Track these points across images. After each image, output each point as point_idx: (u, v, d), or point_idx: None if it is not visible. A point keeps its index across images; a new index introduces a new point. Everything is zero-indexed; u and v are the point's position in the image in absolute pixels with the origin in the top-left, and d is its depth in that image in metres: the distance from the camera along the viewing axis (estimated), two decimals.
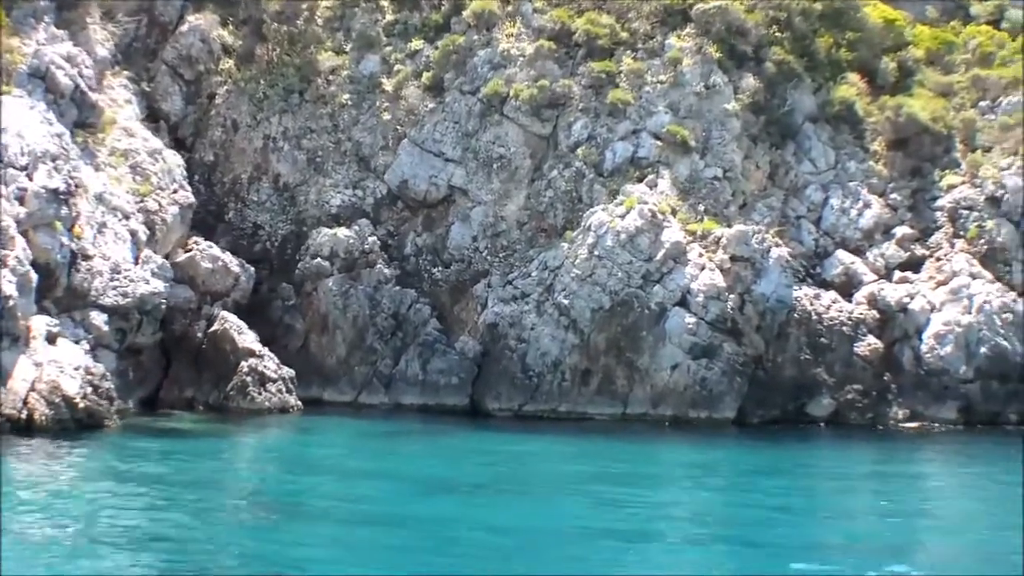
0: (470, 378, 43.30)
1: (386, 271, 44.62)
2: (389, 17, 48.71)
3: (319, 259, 44.36)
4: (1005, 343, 42.21)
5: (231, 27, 48.12)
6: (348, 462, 33.83)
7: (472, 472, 32.36)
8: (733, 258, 42.11)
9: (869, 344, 42.26)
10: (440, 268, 45.24)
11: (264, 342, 42.38)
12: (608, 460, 34.60)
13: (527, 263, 44.24)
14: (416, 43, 47.78)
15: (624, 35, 46.11)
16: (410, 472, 31.85)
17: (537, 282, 43.67)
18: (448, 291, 45.20)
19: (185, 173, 44.55)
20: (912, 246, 44.52)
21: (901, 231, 44.70)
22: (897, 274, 44.00)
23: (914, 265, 44.42)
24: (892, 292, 42.89)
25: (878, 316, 42.83)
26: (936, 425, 42.11)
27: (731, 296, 41.83)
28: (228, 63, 47.82)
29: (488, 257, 44.89)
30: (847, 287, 43.66)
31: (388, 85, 47.26)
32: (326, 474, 31.54)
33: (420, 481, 30.23)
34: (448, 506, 27.25)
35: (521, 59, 46.19)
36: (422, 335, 43.90)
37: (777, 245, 42.48)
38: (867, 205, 44.80)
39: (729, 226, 42.78)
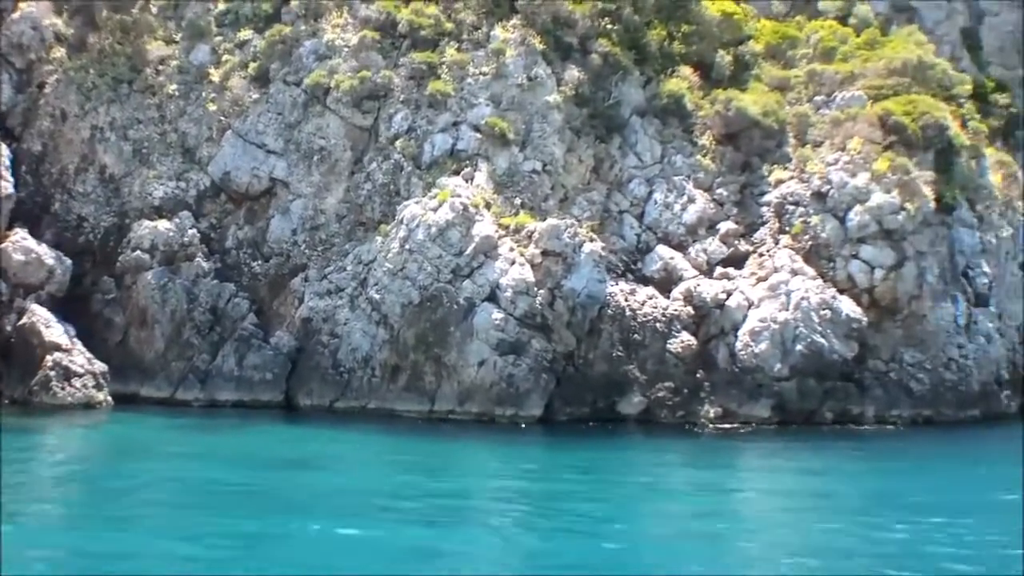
0: (284, 374, 42.53)
1: (205, 264, 43.84)
2: (221, 6, 47.71)
3: (139, 252, 43.57)
4: (822, 340, 41.38)
5: (65, 15, 47.20)
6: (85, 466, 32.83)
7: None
8: (544, 252, 41.24)
9: (683, 341, 41.40)
10: (260, 262, 44.44)
11: (84, 336, 41.57)
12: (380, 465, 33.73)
13: (343, 257, 43.35)
14: (245, 33, 46.86)
15: (449, 26, 45.19)
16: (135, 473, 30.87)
17: (352, 276, 42.87)
18: (267, 285, 44.41)
19: (8, 164, 43.57)
20: (736, 242, 43.72)
21: (725, 226, 43.90)
22: (719, 270, 43.03)
23: (737, 261, 43.60)
24: (709, 288, 42.05)
25: (693, 312, 41.87)
26: (750, 425, 40.90)
27: (541, 291, 40.95)
28: (60, 52, 46.82)
29: (306, 251, 44.11)
30: (667, 283, 42.82)
31: (215, 75, 46.34)
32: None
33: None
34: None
35: (346, 50, 45.25)
36: (239, 330, 43.06)
37: (591, 240, 41.58)
38: (691, 200, 43.96)
39: (545, 220, 41.80)
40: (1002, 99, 52.09)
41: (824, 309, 41.86)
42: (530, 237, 41.60)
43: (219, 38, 47.52)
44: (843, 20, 50.86)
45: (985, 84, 52.45)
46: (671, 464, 35.56)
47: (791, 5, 51.55)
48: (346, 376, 41.70)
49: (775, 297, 41.85)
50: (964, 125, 47.02)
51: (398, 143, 43.73)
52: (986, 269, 45.60)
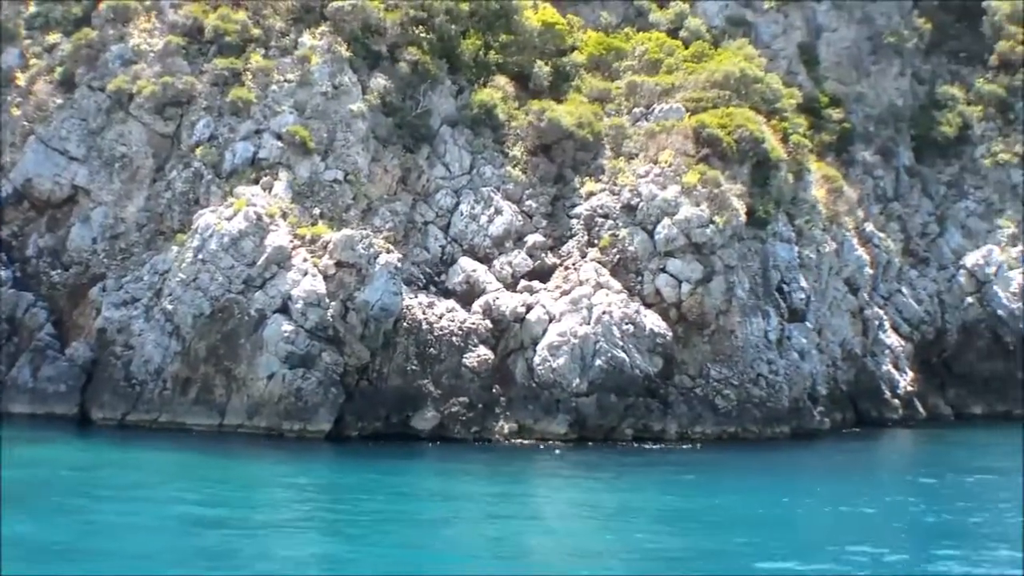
0: (79, 386, 41.29)
1: (3, 273, 42.47)
2: (32, 8, 46.48)
3: None
4: (623, 355, 40.52)
5: None
6: None
7: None
8: (339, 264, 40.20)
9: (479, 355, 40.45)
10: (59, 271, 43.28)
11: None
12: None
13: (141, 267, 42.17)
14: (53, 36, 45.69)
15: (257, 32, 44.17)
16: None
17: (148, 287, 41.74)
18: (67, 295, 43.23)
19: None
20: (543, 255, 42.87)
21: (533, 239, 43.05)
22: (523, 283, 42.12)
23: (544, 274, 42.73)
24: (509, 301, 41.12)
25: (492, 326, 40.92)
26: (547, 441, 39.92)
27: (333, 303, 39.87)
28: None
29: (106, 260, 42.96)
30: (470, 296, 41.85)
31: (21, 80, 45.07)
32: None
33: None
34: None
35: (151, 55, 44.13)
36: (35, 340, 41.71)
37: (387, 251, 40.55)
38: (499, 212, 43.08)
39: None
40: (836, 114, 51.68)
41: (627, 323, 41.03)
42: (325, 248, 40.51)
43: (28, 41, 46.28)
44: (674, 33, 50.14)
45: (819, 99, 51.93)
46: (423, 482, 34.44)
47: (623, 16, 50.84)
48: (138, 389, 40.52)
49: (577, 311, 40.97)
50: (786, 139, 46.28)
51: (199, 151, 42.65)
52: (803, 284, 44.92)
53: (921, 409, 49.37)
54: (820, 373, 45.40)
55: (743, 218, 42.86)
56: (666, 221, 42.23)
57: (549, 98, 45.87)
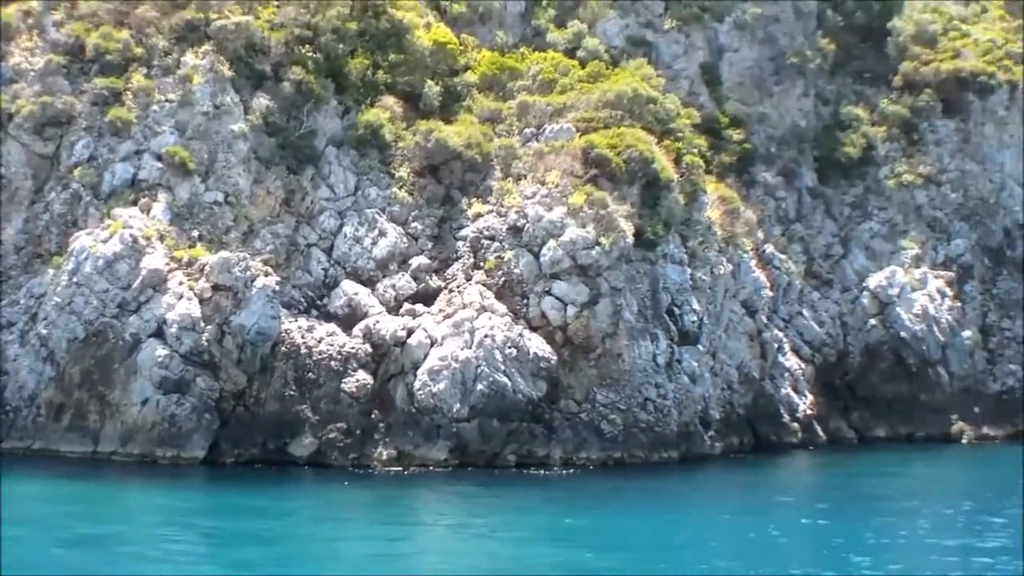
0: None
1: None
2: None
3: None
4: (505, 380, 39.89)
5: None
6: None
7: None
8: (215, 287, 39.43)
9: (358, 380, 39.76)
10: None
11: None
12: None
13: (17, 290, 41.17)
14: None
15: (139, 51, 43.38)
16: None
17: (23, 311, 40.88)
18: None
19: None
20: (428, 277, 42.16)
21: (418, 261, 42.43)
22: (406, 306, 41.43)
23: (428, 297, 42.06)
24: (389, 325, 40.41)
25: (372, 351, 40.19)
26: (427, 467, 39.17)
27: (208, 327, 39.07)
28: None
29: None
30: (352, 320, 41.12)
31: None
32: None
33: None
34: None
35: (32, 74, 43.22)
36: None
37: (265, 274, 39.79)
38: (383, 234, 42.44)
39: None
40: (736, 135, 51.30)
41: (510, 347, 40.41)
42: (202, 271, 39.71)
43: None
44: (572, 53, 49.71)
45: (720, 119, 51.59)
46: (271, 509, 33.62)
47: (520, 37, 50.35)
48: (12, 415, 39.60)
49: (459, 335, 40.32)
50: (679, 160, 45.86)
51: (78, 172, 41.84)
52: (695, 306, 44.44)
53: (821, 432, 48.90)
54: (714, 397, 44.89)
55: (631, 239, 42.36)
56: (552, 243, 41.70)
57: (440, 118, 45.31)
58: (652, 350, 42.52)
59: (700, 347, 44.36)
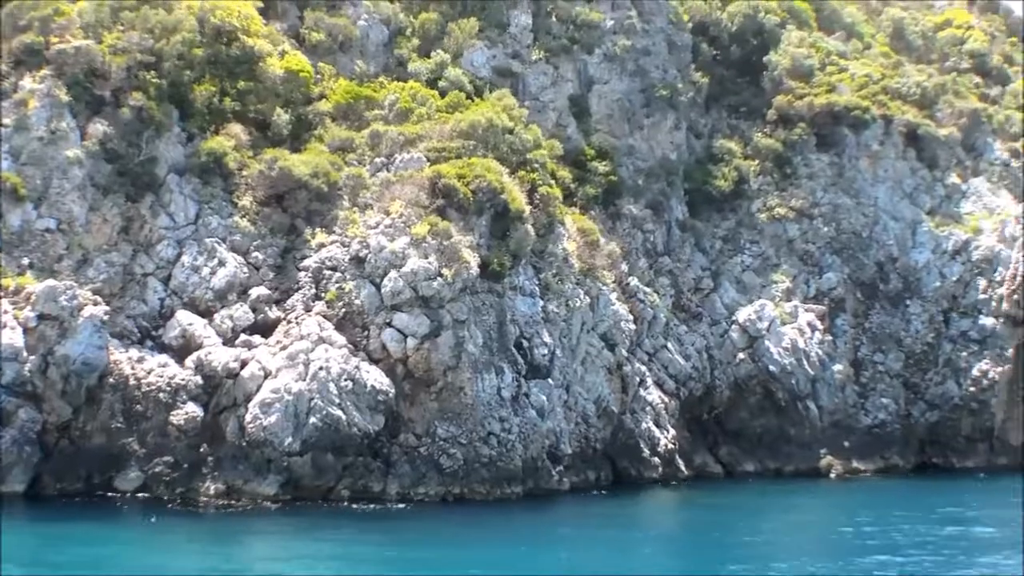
0: None
1: None
2: None
3: None
4: (340, 413, 38.95)
5: None
6: None
7: None
8: (41, 316, 38.24)
9: (187, 413, 38.72)
10: None
11: None
12: None
13: None
14: None
15: None
16: None
17: None
18: None
19: None
20: (267, 308, 41.18)
21: (257, 292, 41.46)
22: (243, 337, 40.42)
23: (267, 328, 41.04)
24: (221, 357, 39.37)
25: (203, 382, 39.13)
26: (256, 502, 38.07)
27: (32, 357, 37.89)
28: None
29: None
30: (186, 351, 40.04)
31: None
32: None
33: None
34: None
35: None
36: None
37: (95, 303, 38.70)
38: (222, 263, 41.41)
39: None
40: (602, 167, 50.74)
41: (346, 380, 39.50)
42: (28, 299, 38.54)
43: None
44: (434, 83, 49.07)
45: (586, 151, 51.08)
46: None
47: (383, 66, 49.67)
48: None
49: (293, 367, 39.38)
50: (534, 191, 45.26)
51: None
52: (547, 339, 43.73)
53: (683, 467, 48.25)
54: (566, 431, 44.15)
55: (475, 271, 41.59)
56: (393, 274, 40.93)
57: (289, 147, 44.43)
58: (497, 383, 41.75)
59: (551, 381, 43.55)
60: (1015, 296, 54.90)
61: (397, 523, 37.02)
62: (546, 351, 43.63)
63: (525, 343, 43.29)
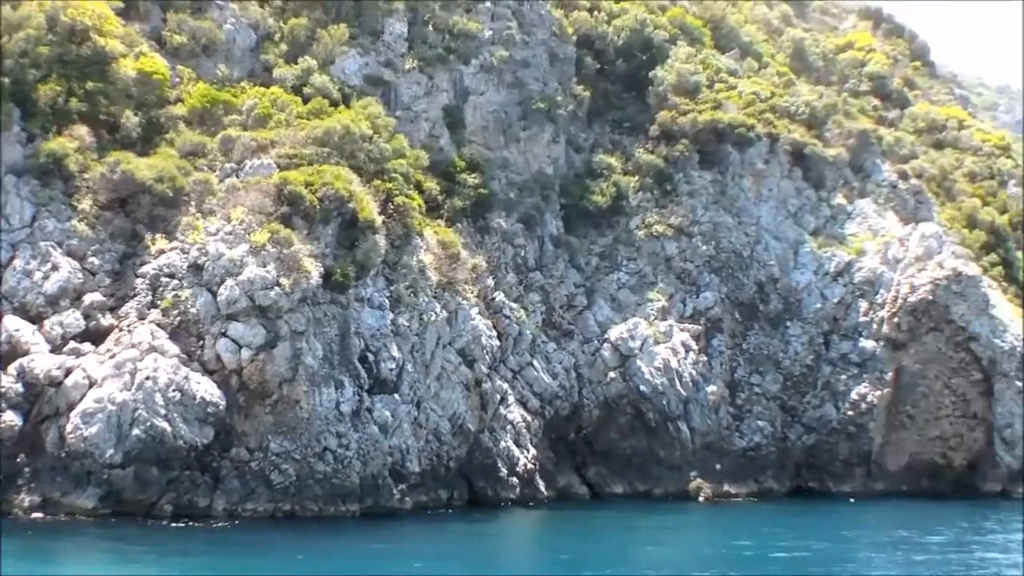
0: None
1: None
2: None
3: None
4: (165, 425, 37.63)
5: None
6: None
7: None
8: None
9: (4, 421, 37.28)
10: None
11: None
12: None
13: None
14: None
15: None
16: None
17: None
18: None
19: None
20: (100, 315, 39.82)
21: (91, 298, 40.10)
22: (72, 345, 39.08)
23: (99, 336, 39.67)
24: (44, 364, 38.00)
25: (24, 391, 37.75)
26: (73, 516, 36.62)
27: None
28: None
29: None
30: (12, 357, 38.65)
31: None
32: None
33: None
34: None
35: None
36: None
37: None
38: (56, 268, 40.03)
39: None
40: (472, 179, 49.70)
41: (174, 390, 38.20)
42: None
43: None
44: (300, 90, 47.99)
45: (456, 163, 50.05)
46: None
47: (248, 71, 48.54)
48: None
49: (119, 376, 38.08)
50: (389, 201, 44.18)
51: None
52: (395, 353, 42.51)
53: (543, 488, 47.13)
54: (414, 448, 42.95)
55: (316, 281, 40.41)
56: (230, 282, 39.64)
57: (140, 150, 43.16)
58: (336, 397, 40.56)
59: (398, 396, 42.39)
60: (895, 319, 54.12)
61: (217, 540, 35.58)
62: (394, 365, 42.49)
63: (371, 357, 42.08)
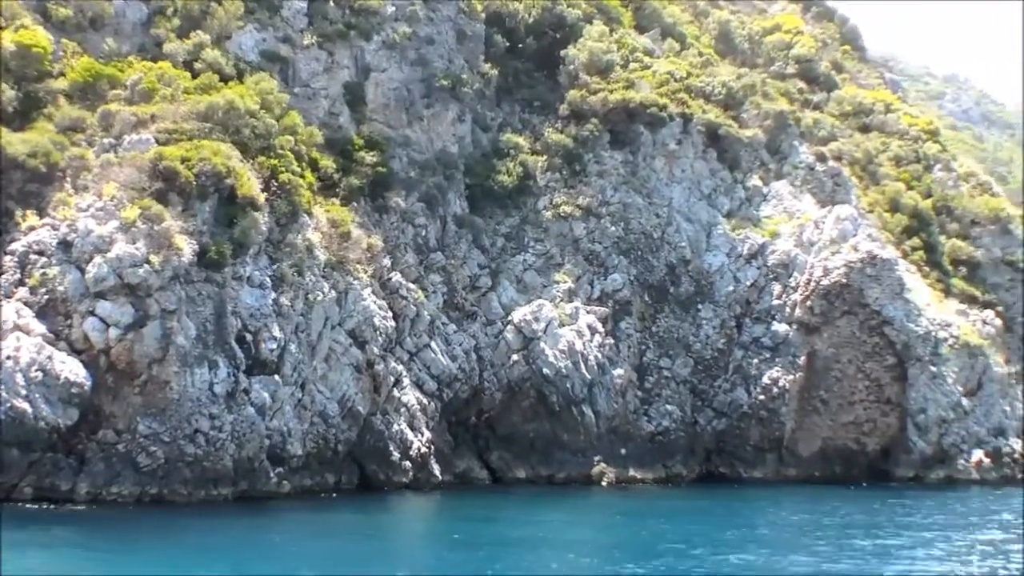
0: None
1: None
2: None
3: None
4: (26, 406, 36.48)
5: None
6: None
7: None
8: None
9: None
10: None
11: None
12: None
13: None
14: None
15: None
16: None
17: None
18: None
19: None
20: None
21: None
22: None
23: None
24: None
25: None
26: None
27: None
28: None
29: None
30: None
31: None
32: None
33: None
34: None
35: None
36: None
37: None
38: None
39: None
40: (370, 157, 48.52)
41: (36, 370, 37.01)
42: None
43: None
44: (191, 65, 46.76)
45: (353, 141, 48.89)
46: None
47: (138, 46, 47.31)
48: None
49: None
50: (274, 178, 43.04)
51: None
52: (276, 333, 41.36)
53: (438, 472, 46.03)
54: (298, 431, 41.83)
55: (189, 258, 39.25)
56: (98, 259, 38.43)
57: (17, 125, 41.90)
58: (210, 378, 39.30)
59: (278, 377, 41.22)
60: (809, 302, 53.20)
61: (78, 524, 34.33)
62: (275, 346, 41.36)
63: (249, 337, 40.87)
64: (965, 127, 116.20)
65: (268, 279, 42.12)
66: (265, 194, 42.55)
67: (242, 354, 40.64)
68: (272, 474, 40.42)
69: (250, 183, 41.56)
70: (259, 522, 37.05)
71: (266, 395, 40.74)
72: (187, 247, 39.37)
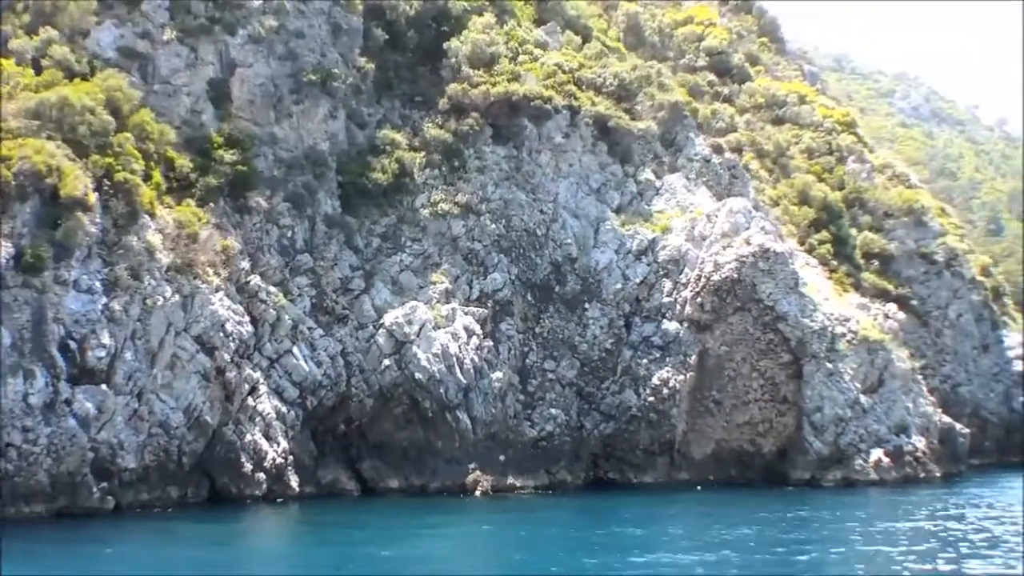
0: None
1: None
2: None
3: None
4: None
5: None
6: None
7: None
8: None
9: None
10: None
11: None
12: None
13: None
14: None
15: None
16: None
17: None
18: None
19: None
20: None
21: None
22: None
23: None
24: None
25: None
26: None
27: None
28: None
29: None
30: None
31: None
32: None
33: None
34: None
35: None
36: None
37: None
38: None
39: None
40: (229, 155, 46.61)
41: None
42: None
43: None
44: (38, 62, 44.99)
45: (212, 139, 47.00)
46: None
47: None
48: None
49: None
50: (107, 177, 41.23)
51: None
52: (104, 340, 39.44)
53: (295, 484, 44.08)
54: (133, 443, 39.99)
55: (4, 261, 37.35)
56: None
57: None
58: (24, 389, 37.41)
59: (107, 387, 39.31)
60: (699, 299, 51.13)
61: None
62: (104, 353, 39.47)
63: (73, 344, 38.96)
64: (915, 124, 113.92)
65: (99, 283, 40.32)
66: (97, 194, 40.54)
67: (65, 363, 38.72)
68: (95, 489, 38.41)
69: (75, 182, 39.69)
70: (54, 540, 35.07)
71: (90, 406, 38.90)
72: (2, 250, 37.40)
